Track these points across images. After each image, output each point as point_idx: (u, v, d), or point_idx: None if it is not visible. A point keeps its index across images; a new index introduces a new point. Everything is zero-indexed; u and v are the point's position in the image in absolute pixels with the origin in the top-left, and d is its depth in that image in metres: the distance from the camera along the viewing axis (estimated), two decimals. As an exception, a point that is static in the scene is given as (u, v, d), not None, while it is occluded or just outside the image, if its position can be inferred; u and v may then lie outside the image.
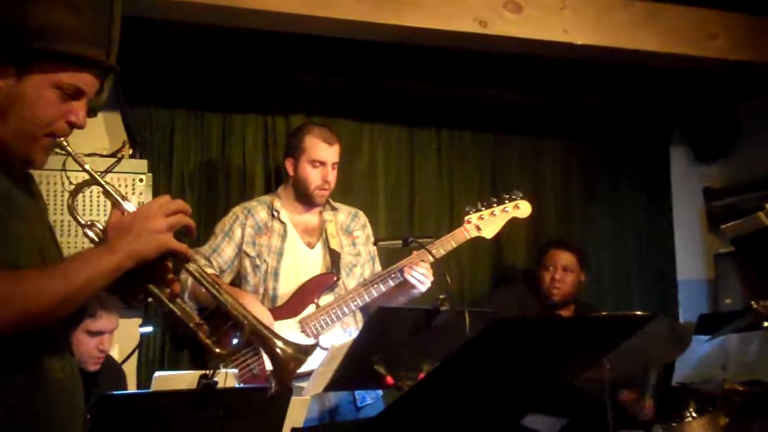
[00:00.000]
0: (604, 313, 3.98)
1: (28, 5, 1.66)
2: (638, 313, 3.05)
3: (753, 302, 3.21)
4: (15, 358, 1.63)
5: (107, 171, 3.56)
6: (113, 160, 3.75)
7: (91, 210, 3.55)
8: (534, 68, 4.45)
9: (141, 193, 3.80)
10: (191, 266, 1.79)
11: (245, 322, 1.79)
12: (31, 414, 1.65)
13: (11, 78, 1.65)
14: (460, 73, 4.48)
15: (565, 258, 4.35)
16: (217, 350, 1.77)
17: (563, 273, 4.32)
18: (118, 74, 1.87)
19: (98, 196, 3.58)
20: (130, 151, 3.96)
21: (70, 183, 1.81)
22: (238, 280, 3.54)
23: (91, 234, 1.77)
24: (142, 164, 3.88)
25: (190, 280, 3.42)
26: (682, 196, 5.29)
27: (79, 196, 2.35)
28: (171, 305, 1.76)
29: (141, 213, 1.70)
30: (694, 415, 3.30)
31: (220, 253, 3.51)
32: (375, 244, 3.65)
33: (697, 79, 4.71)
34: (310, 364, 2.97)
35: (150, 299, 1.77)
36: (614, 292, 4.97)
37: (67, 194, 1.81)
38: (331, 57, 4.18)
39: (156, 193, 3.92)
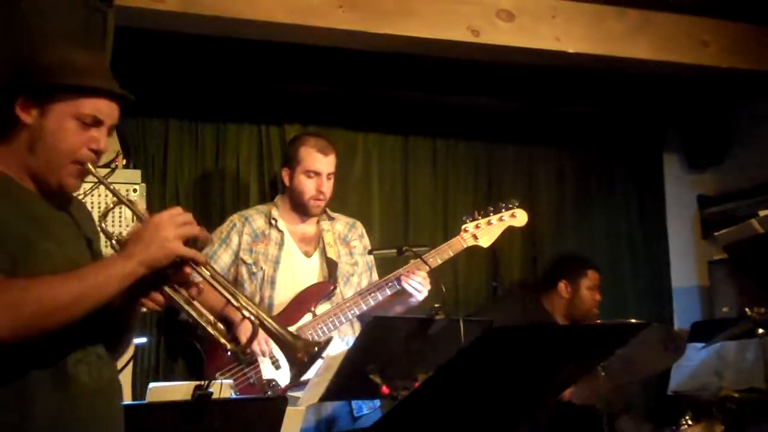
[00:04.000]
0: (598, 321, 3.99)
1: (45, 48, 1.93)
2: (633, 320, 3.06)
3: (747, 309, 3.22)
4: (35, 362, 1.73)
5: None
6: (107, 170, 3.72)
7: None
8: (527, 76, 4.46)
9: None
10: (205, 271, 1.92)
11: (258, 321, 1.97)
12: (50, 417, 1.74)
13: (36, 115, 1.85)
14: (453, 81, 4.49)
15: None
16: (230, 346, 1.97)
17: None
18: (134, 101, 2.05)
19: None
20: (124, 162, 3.94)
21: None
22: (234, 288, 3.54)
23: (117, 246, 1.92)
24: (135, 174, 3.85)
25: None
26: (675, 203, 5.30)
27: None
28: (187, 307, 1.90)
29: (152, 223, 1.84)
30: (690, 422, 3.31)
31: (217, 260, 3.51)
32: (369, 253, 3.65)
33: (690, 87, 4.72)
34: (307, 373, 3.00)
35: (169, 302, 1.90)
36: (608, 300, 4.96)
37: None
38: (325, 66, 4.18)
39: (149, 204, 3.91)
